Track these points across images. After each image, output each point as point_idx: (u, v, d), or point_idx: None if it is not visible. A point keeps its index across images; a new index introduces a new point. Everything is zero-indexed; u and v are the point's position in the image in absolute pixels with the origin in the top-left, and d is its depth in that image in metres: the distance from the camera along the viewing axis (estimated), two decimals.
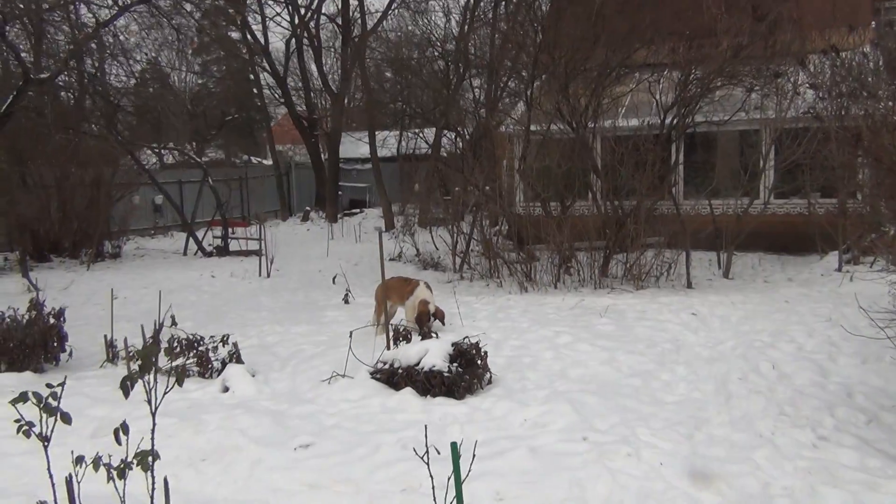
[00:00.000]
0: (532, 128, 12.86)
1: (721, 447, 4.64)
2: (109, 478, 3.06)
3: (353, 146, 28.39)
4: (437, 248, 14.58)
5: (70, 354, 7.38)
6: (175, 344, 6.96)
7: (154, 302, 11.28)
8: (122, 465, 3.10)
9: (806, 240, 12.39)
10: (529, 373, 6.33)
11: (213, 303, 10.97)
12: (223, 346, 6.92)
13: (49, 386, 3.06)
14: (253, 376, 6.57)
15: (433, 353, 5.89)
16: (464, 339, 6.07)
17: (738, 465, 4.35)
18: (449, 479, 3.27)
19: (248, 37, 24.15)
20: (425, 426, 3.42)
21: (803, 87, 11.49)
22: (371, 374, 6.16)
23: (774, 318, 8.12)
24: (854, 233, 11.35)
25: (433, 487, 2.71)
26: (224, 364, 6.75)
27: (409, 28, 21.88)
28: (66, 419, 3.03)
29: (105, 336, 7.55)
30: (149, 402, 3.18)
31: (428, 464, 2.63)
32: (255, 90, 28.34)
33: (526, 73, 13.85)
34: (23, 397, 2.99)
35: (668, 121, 11.91)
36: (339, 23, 23.05)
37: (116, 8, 11.12)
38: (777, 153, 12.00)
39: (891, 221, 8.80)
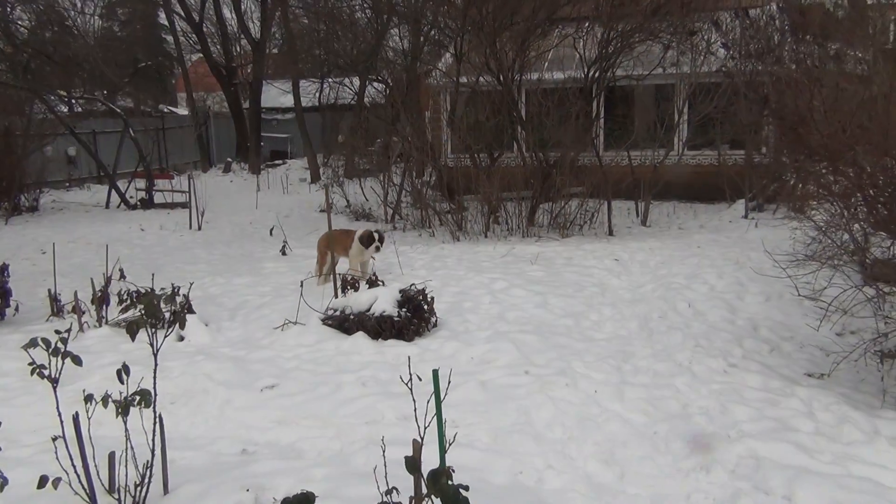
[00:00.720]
0: (460, 80, 13.21)
1: (646, 375, 5.28)
2: (118, 413, 3.38)
3: (274, 95, 27.99)
4: (368, 199, 14.86)
5: (17, 309, 7.44)
6: (125, 296, 7.14)
7: (85, 256, 11.33)
8: (125, 402, 3.42)
9: (716, 189, 13.31)
10: (471, 316, 6.84)
11: (147, 256, 11.01)
12: (176, 294, 7.13)
13: (58, 332, 3.34)
14: (206, 325, 6.84)
15: (383, 300, 6.31)
16: (410, 286, 6.51)
17: (661, 391, 4.99)
18: (416, 410, 3.69)
19: None
20: (413, 362, 3.85)
21: (716, 46, 12.21)
22: (322, 320, 6.54)
23: (688, 262, 8.88)
24: (759, 183, 12.32)
25: (415, 410, 3.16)
26: (178, 314, 6.97)
27: None
28: (77, 361, 3.33)
29: (49, 290, 7.62)
30: (151, 345, 3.51)
31: (412, 389, 3.05)
32: (164, 35, 27.48)
33: (453, 25, 14.11)
34: (33, 342, 3.26)
35: (590, 75, 12.48)
36: None
37: None
38: (691, 107, 12.77)
39: (791, 172, 9.67)
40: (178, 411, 5.02)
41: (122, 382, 3.43)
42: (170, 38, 31.79)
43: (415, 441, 2.94)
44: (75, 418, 3.50)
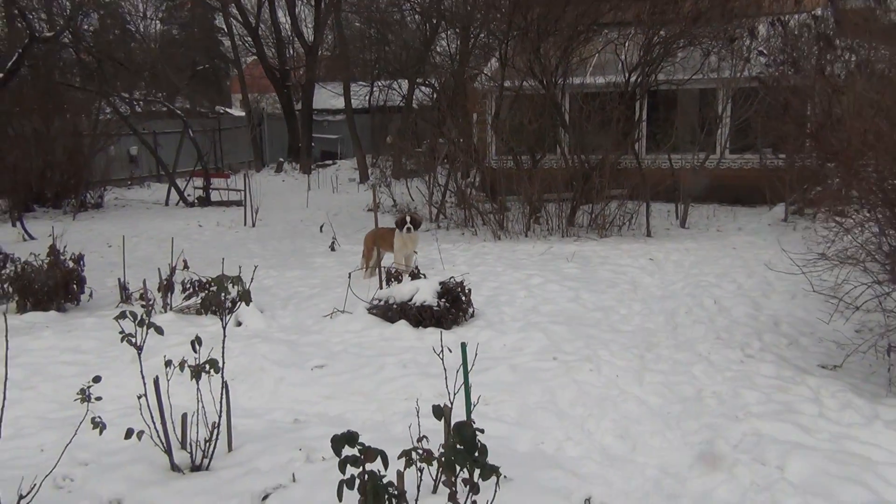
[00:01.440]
0: (505, 84, 13.68)
1: (666, 363, 5.69)
2: (192, 377, 3.96)
3: (324, 97, 28.84)
4: (413, 199, 15.40)
5: (90, 296, 8.17)
6: (188, 284, 7.82)
7: (147, 249, 12.11)
8: (198, 367, 4.00)
9: (757, 192, 13.50)
10: (506, 308, 7.31)
11: (205, 250, 11.72)
12: (233, 286, 7.76)
13: (133, 313, 3.90)
14: (262, 312, 7.45)
15: (424, 291, 6.82)
16: (449, 278, 7.01)
17: (679, 377, 5.39)
18: (446, 380, 4.15)
19: None
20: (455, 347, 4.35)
21: (755, 53, 12.45)
22: (368, 309, 7.09)
23: (721, 263, 9.20)
24: (799, 187, 12.49)
25: (445, 377, 3.64)
26: (234, 302, 7.61)
27: None
28: (159, 331, 3.92)
29: (119, 279, 8.33)
30: (221, 319, 4.09)
31: (443, 359, 3.54)
32: (220, 38, 28.51)
33: (498, 31, 14.58)
34: (123, 314, 3.85)
35: (632, 79, 12.83)
36: None
37: None
38: (732, 112, 13.01)
39: (833, 176, 9.89)
40: (237, 387, 5.60)
41: (195, 351, 4.00)
42: (225, 41, 33.01)
43: (445, 404, 3.45)
44: (156, 381, 4.10)
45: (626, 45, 13.27)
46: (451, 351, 3.71)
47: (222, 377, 4.10)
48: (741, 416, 4.66)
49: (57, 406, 5.30)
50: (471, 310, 7.00)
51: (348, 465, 2.70)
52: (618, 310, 7.30)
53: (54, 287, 7.86)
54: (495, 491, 2.87)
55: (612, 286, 8.19)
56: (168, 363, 3.99)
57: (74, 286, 8.09)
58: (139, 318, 3.87)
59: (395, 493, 2.68)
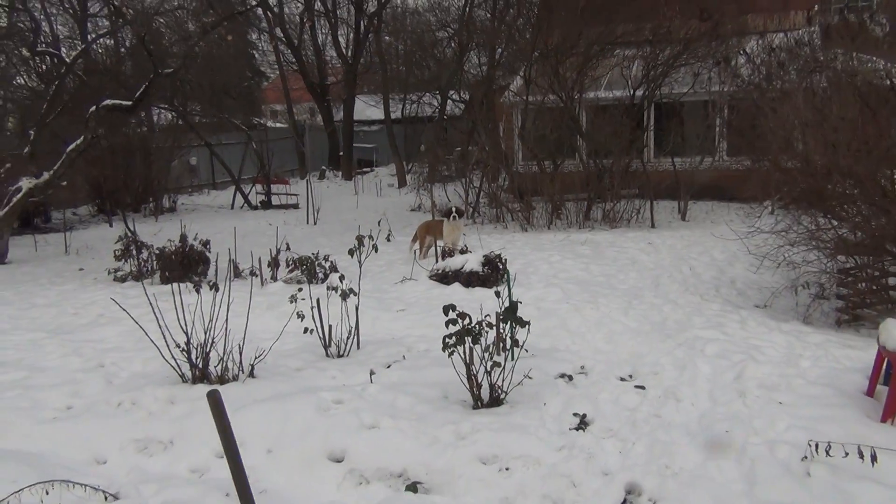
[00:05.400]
0: (530, 99, 16.36)
1: (646, 305, 8.30)
2: (343, 299, 6.64)
3: (361, 109, 31.70)
4: (450, 200, 18.08)
5: (215, 272, 10.91)
6: (290, 262, 10.54)
7: (231, 242, 14.88)
8: (345, 291, 6.69)
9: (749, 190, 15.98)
10: (532, 276, 9.95)
11: (281, 241, 14.48)
12: (325, 261, 10.48)
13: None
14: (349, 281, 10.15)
15: (471, 262, 9.49)
16: (490, 252, 9.67)
17: (652, 311, 8.00)
18: (499, 297, 6.74)
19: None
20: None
21: (745, 69, 15.02)
22: (429, 276, 9.78)
23: (705, 244, 11.77)
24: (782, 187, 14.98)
25: (499, 298, 6.30)
26: (326, 274, 10.31)
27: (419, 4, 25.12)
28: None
29: (231, 259, 11.05)
30: (359, 262, 6.78)
31: (497, 292, 6.15)
32: (251, 51, 31.68)
33: (522, 55, 17.27)
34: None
35: (637, 94, 15.46)
36: None
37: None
38: (727, 120, 15.58)
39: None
40: (347, 324, 8.30)
41: (341, 281, 6.70)
42: (256, 55, 36.00)
43: (496, 312, 6.09)
44: (318, 302, 6.79)
45: (633, 64, 15.89)
46: (498, 296, 6.33)
47: (358, 300, 6.79)
48: (688, 330, 7.26)
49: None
50: (504, 276, 9.64)
51: (448, 324, 5.34)
52: (617, 276, 9.92)
53: (189, 264, 10.61)
54: (527, 333, 5.52)
55: (614, 261, 10.81)
56: (333, 287, 6.69)
57: (203, 264, 10.85)
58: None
59: (478, 331, 5.31)
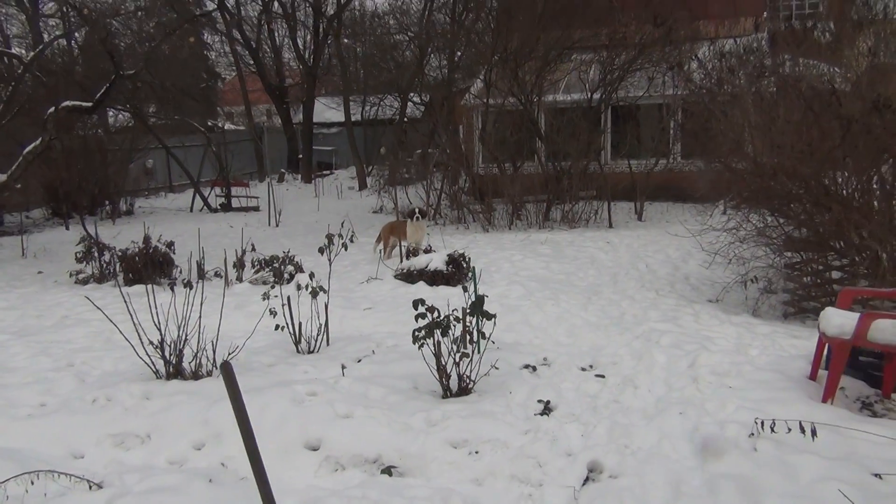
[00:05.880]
0: (490, 101, 16.71)
1: (604, 301, 8.67)
2: (313, 297, 6.86)
3: (321, 111, 31.79)
4: (411, 202, 18.33)
5: (180, 272, 10.99)
6: (256, 262, 10.70)
7: (194, 244, 14.93)
8: (315, 289, 6.90)
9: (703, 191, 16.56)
10: (495, 274, 10.27)
11: (244, 243, 14.58)
12: (289, 263, 10.66)
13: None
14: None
15: (436, 261, 9.77)
16: (454, 251, 9.96)
17: (611, 306, 8.37)
18: (465, 293, 7.03)
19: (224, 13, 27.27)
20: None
21: (693, 75, 15.55)
22: (395, 276, 10.03)
23: (661, 243, 12.23)
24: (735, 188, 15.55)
25: (465, 293, 6.56)
26: (292, 275, 10.48)
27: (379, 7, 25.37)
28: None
29: (197, 261, 11.15)
30: (329, 261, 7.00)
31: (464, 287, 6.44)
32: (210, 56, 31.58)
33: (482, 58, 17.63)
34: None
35: (595, 97, 15.91)
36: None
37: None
38: (680, 123, 16.11)
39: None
40: (316, 322, 8.50)
41: (311, 280, 6.92)
42: (210, 56, 35.83)
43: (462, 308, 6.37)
44: (289, 299, 6.99)
45: (591, 68, 16.36)
46: (465, 290, 6.61)
47: (328, 297, 7.02)
48: (644, 323, 7.64)
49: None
50: (469, 273, 9.95)
51: (418, 317, 5.61)
52: (577, 274, 10.29)
53: (153, 266, 10.70)
54: (493, 326, 5.82)
55: (574, 260, 11.19)
56: (300, 286, 6.90)
57: (167, 266, 10.93)
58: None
59: (446, 323, 5.58)
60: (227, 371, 3.43)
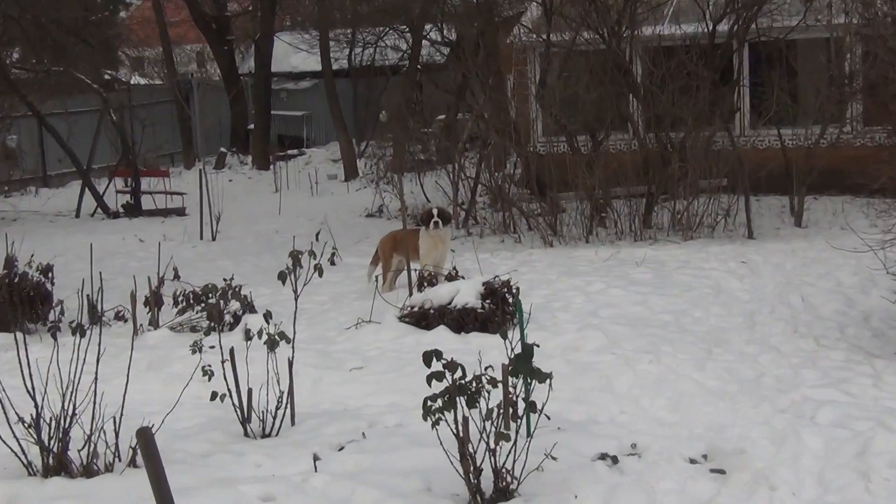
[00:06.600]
0: (552, 38, 16.98)
1: (733, 355, 8.96)
2: (270, 349, 7.23)
3: (284, 55, 32.25)
4: (430, 200, 18.66)
5: (62, 313, 11.41)
6: (181, 297, 11.12)
7: (84, 271, 15.41)
8: (272, 337, 7.28)
9: None
10: (560, 314, 10.58)
11: (163, 270, 15.03)
12: (233, 299, 11.03)
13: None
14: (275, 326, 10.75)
15: (465, 293, 10.11)
16: (494, 277, 10.30)
17: (743, 364, 8.66)
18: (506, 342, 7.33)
19: None
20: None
21: None
22: (399, 317, 10.39)
23: (829, 263, 12.48)
24: None
25: (505, 343, 6.90)
26: (237, 317, 10.85)
27: None
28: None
29: (88, 296, 11.56)
30: (295, 294, 7.37)
31: (503, 334, 6.75)
32: None
33: None
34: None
35: (722, 28, 16.12)
36: None
37: None
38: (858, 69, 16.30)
39: None
40: (274, 387, 8.88)
41: (267, 322, 7.31)
42: None
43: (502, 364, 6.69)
44: (232, 352, 7.38)
45: None
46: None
47: (292, 349, 7.39)
48: (794, 388, 7.91)
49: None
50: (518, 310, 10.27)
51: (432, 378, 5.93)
52: (691, 313, 10.58)
53: (20, 303, 11.13)
54: (548, 392, 6.14)
55: (687, 290, 11.50)
56: (247, 334, 7.30)
57: (40, 303, 11.38)
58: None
59: (476, 388, 5.89)
60: (146, 441, 3.74)
